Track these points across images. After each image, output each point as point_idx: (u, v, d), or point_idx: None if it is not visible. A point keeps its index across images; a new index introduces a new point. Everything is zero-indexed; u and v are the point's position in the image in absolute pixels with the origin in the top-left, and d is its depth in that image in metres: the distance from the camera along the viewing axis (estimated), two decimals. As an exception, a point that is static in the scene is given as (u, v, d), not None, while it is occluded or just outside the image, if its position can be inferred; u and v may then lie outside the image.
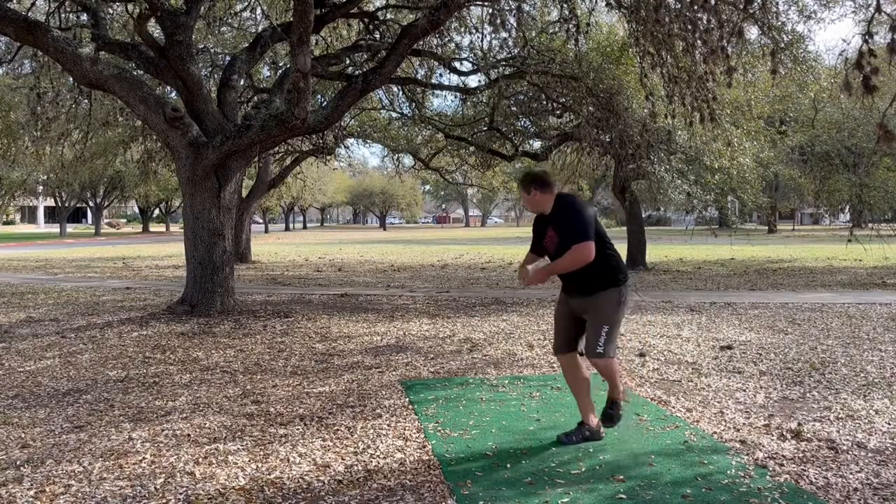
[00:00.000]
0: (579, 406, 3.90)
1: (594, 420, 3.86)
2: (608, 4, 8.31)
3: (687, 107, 7.42)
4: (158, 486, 3.23)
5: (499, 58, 11.32)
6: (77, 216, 63.58)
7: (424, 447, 3.75)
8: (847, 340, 6.73)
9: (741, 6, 6.18)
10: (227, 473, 3.38)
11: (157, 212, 56.63)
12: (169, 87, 11.09)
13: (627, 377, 5.35)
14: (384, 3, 11.01)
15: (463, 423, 4.15)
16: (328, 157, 18.75)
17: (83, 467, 3.47)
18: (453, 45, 11.39)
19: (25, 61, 12.47)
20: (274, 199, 38.21)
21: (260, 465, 3.49)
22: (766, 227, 42.82)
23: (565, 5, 8.66)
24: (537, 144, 16.54)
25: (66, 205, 45.84)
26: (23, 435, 3.99)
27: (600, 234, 3.62)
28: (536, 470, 3.39)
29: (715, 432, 3.97)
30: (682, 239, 26.15)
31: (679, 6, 6.59)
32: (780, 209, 43.89)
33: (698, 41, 6.51)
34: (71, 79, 9.67)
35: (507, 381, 5.19)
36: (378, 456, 3.61)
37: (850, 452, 3.63)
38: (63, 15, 9.58)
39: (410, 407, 4.51)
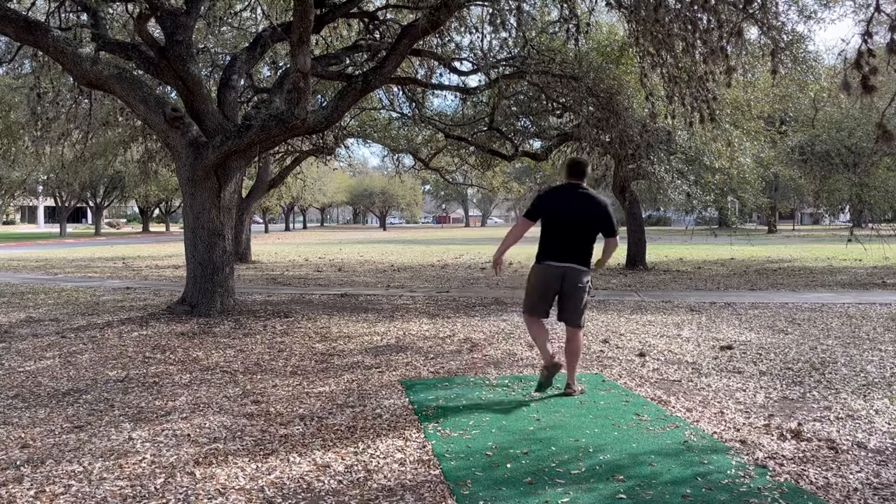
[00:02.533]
0: None
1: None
2: (608, 4, 8.31)
3: (687, 107, 7.43)
4: (158, 486, 3.23)
5: (499, 58, 11.32)
6: (77, 216, 63.59)
7: (424, 447, 3.75)
8: (847, 340, 6.73)
9: (741, 6, 6.18)
10: (227, 473, 3.38)
11: (157, 212, 56.63)
12: (169, 87, 11.08)
13: (627, 377, 5.35)
14: (384, 3, 11.01)
15: (463, 423, 4.15)
16: (328, 157, 18.76)
17: (83, 467, 3.47)
18: (453, 45, 11.39)
19: (25, 61, 12.46)
20: (274, 199, 38.23)
21: (260, 465, 3.50)
22: (766, 227, 42.85)
23: (565, 5, 8.67)
24: (537, 144, 16.54)
25: (66, 205, 45.84)
26: (23, 435, 3.99)
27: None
28: (536, 470, 3.40)
29: (715, 432, 3.97)
30: (682, 239, 26.20)
31: (679, 6, 6.59)
32: (780, 209, 43.91)
33: (698, 41, 6.51)
34: (71, 79, 9.67)
35: (507, 381, 5.19)
36: (378, 456, 3.61)
37: (850, 452, 3.63)
38: (63, 15, 9.57)
39: (410, 407, 4.52)
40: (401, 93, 14.49)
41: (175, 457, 3.61)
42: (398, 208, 70.60)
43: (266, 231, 56.35)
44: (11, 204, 47.36)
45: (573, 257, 4.69)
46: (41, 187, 42.68)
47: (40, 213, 63.54)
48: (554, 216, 4.74)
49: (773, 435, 3.92)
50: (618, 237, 4.82)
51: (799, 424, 4.09)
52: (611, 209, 4.78)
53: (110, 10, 10.20)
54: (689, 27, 6.48)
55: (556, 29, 10.79)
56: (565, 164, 4.98)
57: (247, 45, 10.25)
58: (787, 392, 4.87)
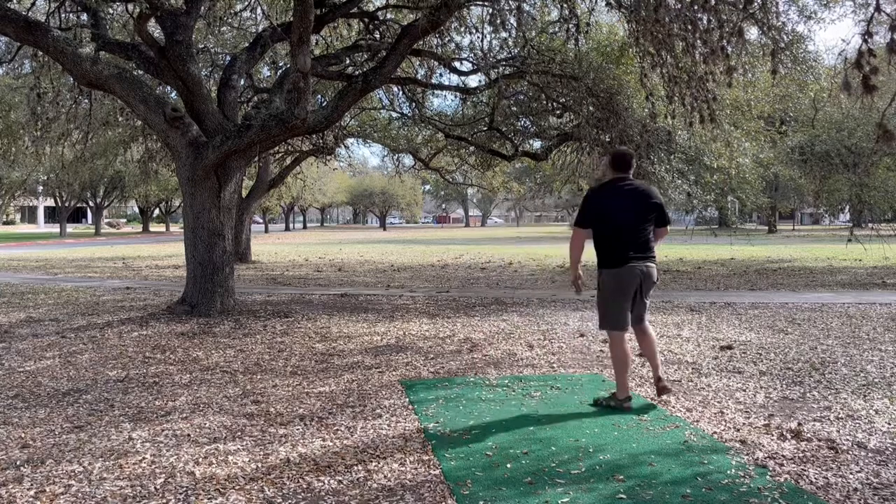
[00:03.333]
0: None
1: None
2: (608, 4, 8.32)
3: (687, 107, 7.43)
4: (158, 486, 3.23)
5: (499, 58, 11.32)
6: (77, 216, 63.58)
7: (424, 447, 3.75)
8: (847, 340, 6.73)
9: (741, 6, 6.18)
10: (227, 473, 3.38)
11: (157, 212, 56.65)
12: (169, 87, 11.09)
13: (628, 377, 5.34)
14: (384, 3, 11.01)
15: (463, 423, 4.15)
16: (328, 157, 18.76)
17: (83, 467, 3.47)
18: (453, 45, 11.39)
19: (25, 61, 12.47)
20: (274, 199, 38.27)
21: (260, 465, 3.50)
22: (766, 227, 42.85)
23: (565, 5, 8.67)
24: (537, 144, 16.53)
25: (66, 205, 45.85)
26: (23, 435, 3.99)
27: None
28: (536, 470, 3.40)
29: (715, 432, 3.97)
30: (682, 239, 26.17)
31: (679, 6, 6.59)
32: (780, 209, 43.91)
33: (698, 41, 6.52)
34: (71, 79, 9.67)
35: (507, 381, 5.19)
36: (378, 456, 3.61)
37: (850, 452, 3.63)
38: (63, 15, 9.58)
39: (410, 407, 4.52)
40: (401, 93, 14.49)
41: (175, 457, 3.61)
42: (398, 208, 70.59)
43: (266, 231, 56.36)
44: (11, 204, 47.37)
45: (646, 254, 4.45)
46: (41, 187, 42.69)
47: (40, 214, 63.54)
48: (608, 219, 4.43)
49: (773, 435, 3.92)
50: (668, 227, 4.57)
51: (799, 424, 4.09)
52: (662, 198, 4.57)
53: (110, 10, 10.20)
54: (689, 27, 6.48)
55: (556, 29, 10.79)
56: (609, 158, 4.68)
57: (247, 45, 10.25)
58: (787, 392, 4.87)
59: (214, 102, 9.00)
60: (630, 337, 4.65)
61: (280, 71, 12.17)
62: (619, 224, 4.42)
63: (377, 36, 10.62)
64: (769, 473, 3.33)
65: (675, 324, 7.81)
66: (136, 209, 56.64)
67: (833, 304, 9.27)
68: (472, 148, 15.70)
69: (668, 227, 4.57)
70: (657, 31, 6.80)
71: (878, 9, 4.22)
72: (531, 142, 16.38)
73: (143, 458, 3.59)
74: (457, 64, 12.38)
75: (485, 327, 7.65)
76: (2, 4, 7.80)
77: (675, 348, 6.41)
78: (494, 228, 73.09)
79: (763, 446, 3.73)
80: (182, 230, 10.89)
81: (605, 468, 3.41)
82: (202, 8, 9.13)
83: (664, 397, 4.59)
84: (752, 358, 5.99)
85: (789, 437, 3.88)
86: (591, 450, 3.68)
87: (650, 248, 4.48)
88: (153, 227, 54.82)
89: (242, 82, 10.48)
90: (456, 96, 13.90)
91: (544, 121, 14.39)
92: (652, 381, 5.22)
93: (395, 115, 16.37)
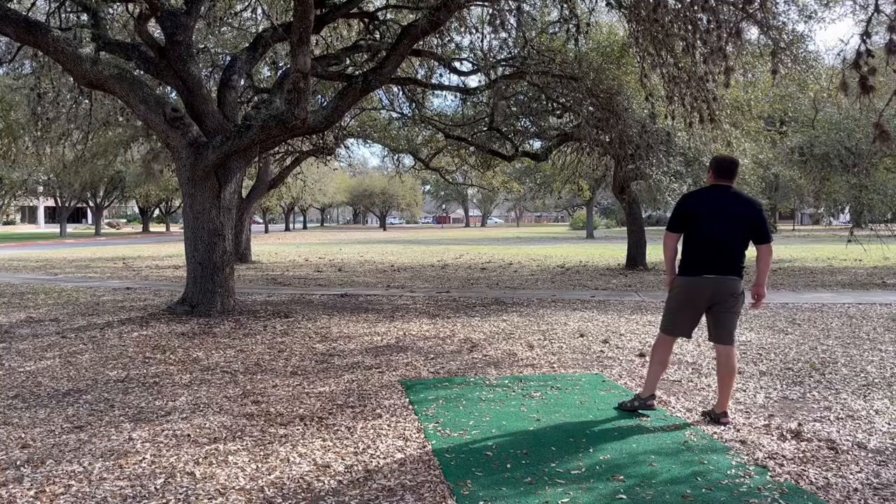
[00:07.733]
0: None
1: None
2: (608, 4, 8.33)
3: (687, 107, 7.43)
4: (158, 486, 3.23)
5: (499, 58, 11.32)
6: (77, 216, 63.59)
7: (424, 447, 3.75)
8: (847, 340, 6.73)
9: (740, 6, 6.19)
10: (227, 473, 3.38)
11: (157, 212, 56.64)
12: (169, 87, 11.09)
13: (627, 377, 5.35)
14: (384, 3, 11.01)
15: (463, 423, 4.15)
16: (328, 158, 18.76)
17: (83, 467, 3.48)
18: (453, 45, 11.40)
19: (26, 61, 12.45)
20: (274, 199, 38.26)
21: (260, 465, 3.50)
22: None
23: (565, 5, 8.68)
24: (537, 144, 16.55)
25: (67, 205, 45.83)
26: (23, 435, 3.99)
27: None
28: (536, 470, 3.40)
29: (715, 432, 3.97)
30: (682, 239, 26.33)
31: (679, 6, 6.60)
32: (781, 209, 43.90)
33: (698, 41, 6.52)
34: (71, 79, 9.67)
35: (507, 381, 5.19)
36: (378, 456, 3.62)
37: (850, 452, 3.63)
38: (63, 15, 9.58)
39: (410, 407, 4.52)
40: (401, 93, 14.50)
41: (175, 457, 3.61)
42: (398, 208, 70.56)
43: (266, 231, 56.34)
44: (12, 204, 47.35)
45: (727, 267, 4.14)
46: (41, 188, 42.66)
47: (40, 214, 63.54)
48: (694, 226, 4.19)
49: (773, 435, 3.92)
50: (772, 244, 4.20)
51: (799, 424, 4.09)
52: (765, 212, 4.24)
53: (110, 10, 10.20)
54: (689, 27, 6.48)
55: (556, 29, 10.79)
56: (711, 164, 4.37)
57: (247, 45, 10.26)
58: (787, 392, 4.87)
59: (214, 103, 9.00)
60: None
61: (280, 71, 12.18)
62: (704, 233, 4.15)
63: (377, 36, 10.63)
64: (769, 473, 3.33)
65: (675, 324, 7.81)
66: (137, 209, 56.61)
67: (833, 305, 9.27)
68: (472, 148, 15.71)
69: (771, 246, 4.19)
70: (657, 31, 6.81)
71: (877, 9, 4.23)
72: (531, 142, 16.39)
73: (143, 458, 3.59)
74: (457, 64, 12.39)
75: (485, 327, 7.65)
76: (2, 4, 7.79)
77: (675, 348, 6.40)
78: (494, 228, 73.07)
79: (763, 446, 3.73)
80: (182, 230, 10.90)
81: (605, 468, 3.41)
82: (202, 8, 9.13)
83: (707, 421, 4.23)
84: (752, 358, 5.99)
85: (789, 437, 3.88)
86: (591, 450, 3.68)
87: (736, 262, 4.15)
88: (153, 228, 54.81)
89: (242, 82, 10.48)
90: (456, 96, 13.91)
91: (544, 121, 14.40)
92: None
93: (395, 115, 16.38)
